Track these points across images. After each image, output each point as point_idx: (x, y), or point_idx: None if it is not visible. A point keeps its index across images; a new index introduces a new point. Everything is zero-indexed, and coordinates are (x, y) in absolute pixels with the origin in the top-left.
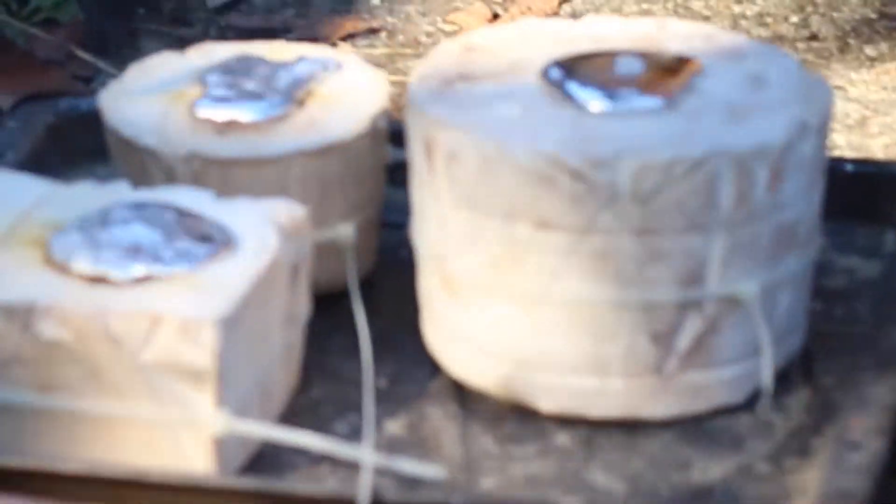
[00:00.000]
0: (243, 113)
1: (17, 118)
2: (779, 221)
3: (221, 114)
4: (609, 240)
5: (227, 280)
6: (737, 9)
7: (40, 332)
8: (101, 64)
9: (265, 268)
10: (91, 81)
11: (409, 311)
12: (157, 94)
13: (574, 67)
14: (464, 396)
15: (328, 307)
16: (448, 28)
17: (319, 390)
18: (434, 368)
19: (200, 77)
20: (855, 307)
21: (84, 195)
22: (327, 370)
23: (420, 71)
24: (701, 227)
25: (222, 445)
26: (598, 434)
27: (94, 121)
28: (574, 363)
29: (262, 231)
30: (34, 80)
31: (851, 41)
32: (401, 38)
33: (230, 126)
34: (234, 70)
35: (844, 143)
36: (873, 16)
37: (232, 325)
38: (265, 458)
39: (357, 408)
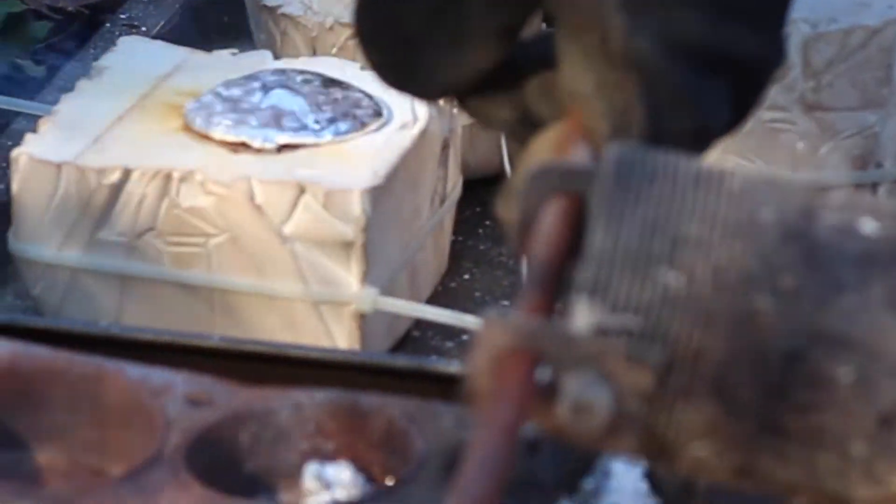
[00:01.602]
0: None
1: None
2: None
3: None
4: (779, 115)
5: (374, 150)
6: None
7: (180, 200)
8: None
9: (414, 140)
10: None
11: None
12: None
13: None
14: None
15: (478, 192)
16: None
17: (469, 275)
18: None
19: None
20: None
21: (223, 63)
22: (477, 255)
23: None
24: (876, 103)
25: (368, 324)
26: None
27: None
28: None
29: (411, 103)
30: None
31: None
32: None
33: None
34: None
35: None
36: None
37: (380, 197)
38: (411, 343)
39: (508, 295)
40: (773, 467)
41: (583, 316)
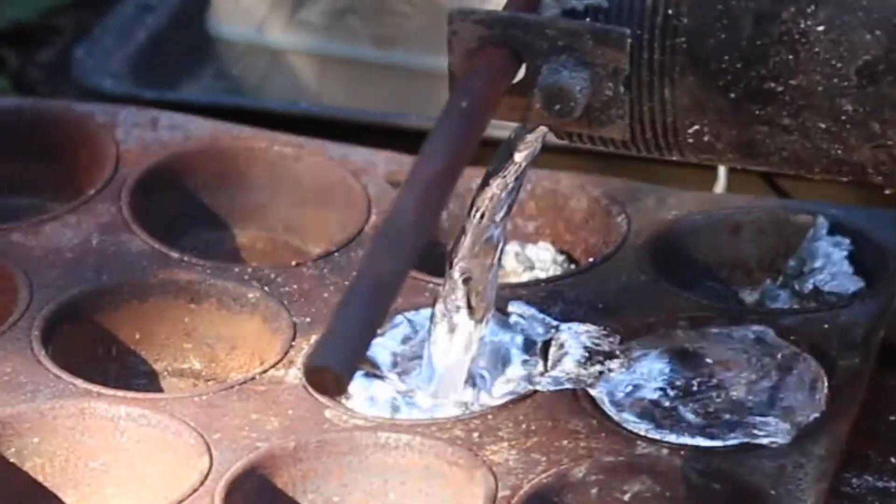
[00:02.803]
0: None
1: None
2: None
3: None
4: None
5: None
6: None
7: None
8: None
9: None
10: None
11: None
12: None
13: None
14: None
15: None
16: None
17: None
18: None
19: None
20: None
21: None
22: None
23: None
24: None
25: None
26: None
27: None
28: None
29: None
30: None
31: None
32: None
33: None
34: None
35: None
36: None
37: None
38: None
39: None
40: (772, 139)
41: (550, 3)
